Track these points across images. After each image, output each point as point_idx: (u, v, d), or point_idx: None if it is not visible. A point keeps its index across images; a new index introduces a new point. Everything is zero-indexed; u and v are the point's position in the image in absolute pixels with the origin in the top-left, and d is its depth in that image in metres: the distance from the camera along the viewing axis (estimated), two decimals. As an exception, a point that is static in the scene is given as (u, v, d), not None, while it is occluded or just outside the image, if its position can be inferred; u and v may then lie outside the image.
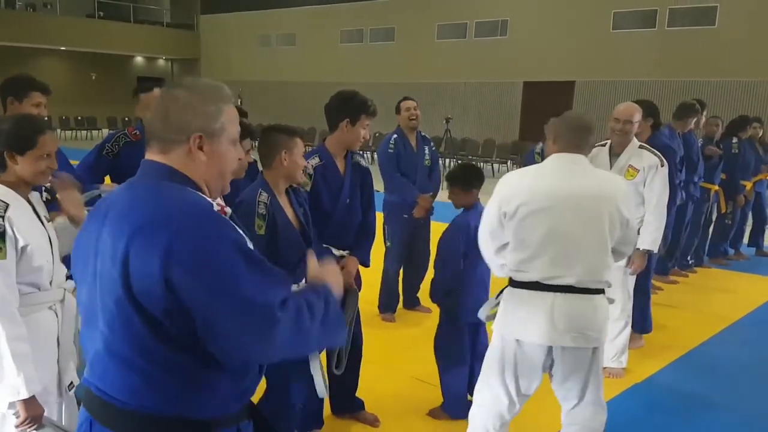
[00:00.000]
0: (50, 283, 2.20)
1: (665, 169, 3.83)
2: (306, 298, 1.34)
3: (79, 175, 3.38)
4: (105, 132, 19.23)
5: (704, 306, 5.57)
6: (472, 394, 3.37)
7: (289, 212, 2.63)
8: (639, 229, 3.68)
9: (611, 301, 2.66)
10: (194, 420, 1.35)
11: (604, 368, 2.95)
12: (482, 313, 2.72)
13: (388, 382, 3.80)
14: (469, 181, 3.33)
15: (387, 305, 5.01)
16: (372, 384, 3.51)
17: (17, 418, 2.02)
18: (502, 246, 2.57)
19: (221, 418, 1.39)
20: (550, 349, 2.49)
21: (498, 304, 2.65)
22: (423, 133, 5.16)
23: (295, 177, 2.68)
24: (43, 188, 2.86)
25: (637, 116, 3.84)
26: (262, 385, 2.71)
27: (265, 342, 1.26)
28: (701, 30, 14.67)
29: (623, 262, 3.57)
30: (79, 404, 2.50)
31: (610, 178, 2.69)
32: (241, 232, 1.35)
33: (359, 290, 3.20)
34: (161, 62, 27.86)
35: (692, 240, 6.55)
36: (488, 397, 2.65)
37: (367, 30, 20.76)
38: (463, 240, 3.25)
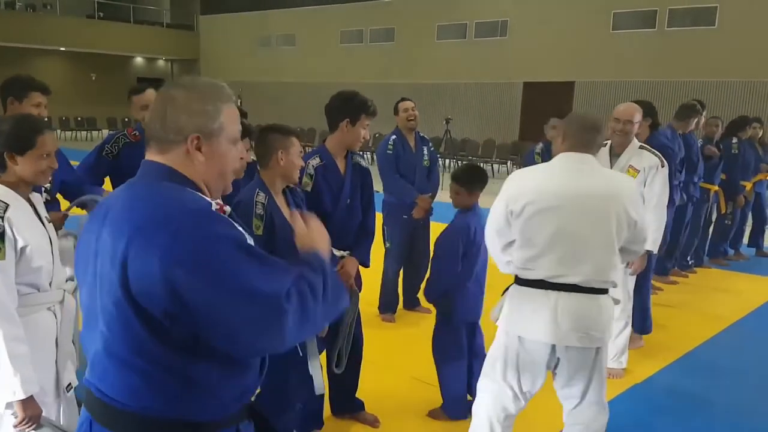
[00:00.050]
0: (50, 284, 2.19)
1: (665, 170, 3.83)
2: (306, 279, 1.32)
3: (80, 176, 3.39)
4: (105, 133, 19.23)
5: (704, 306, 5.57)
6: (471, 395, 3.38)
7: (286, 212, 2.63)
8: None
9: (617, 301, 2.66)
10: (194, 421, 1.34)
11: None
12: (494, 314, 2.72)
13: (388, 383, 3.79)
14: (473, 182, 3.32)
15: (387, 306, 5.01)
16: (372, 384, 3.51)
17: (15, 418, 2.02)
18: (509, 243, 2.57)
19: (221, 418, 1.38)
20: (553, 348, 2.49)
21: None
22: (422, 134, 5.16)
23: (291, 177, 2.68)
24: (43, 189, 2.87)
25: (638, 116, 3.84)
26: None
27: (274, 332, 1.25)
28: (701, 30, 14.68)
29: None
30: (79, 405, 2.51)
31: (617, 177, 2.68)
32: (240, 229, 1.35)
33: (359, 291, 3.21)
34: (161, 63, 27.87)
35: (692, 240, 6.55)
36: (492, 389, 2.65)
37: (367, 30, 20.77)
38: (462, 241, 3.25)
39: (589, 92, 16.19)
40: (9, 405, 2.03)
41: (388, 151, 4.89)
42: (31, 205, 2.20)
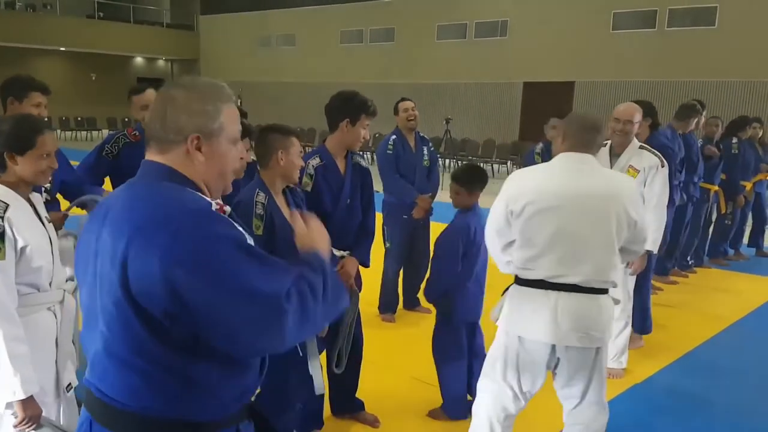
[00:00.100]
0: (50, 284, 2.19)
1: (665, 170, 3.83)
2: (306, 279, 1.32)
3: (80, 176, 3.39)
4: (105, 133, 19.22)
5: (704, 306, 5.57)
6: (471, 395, 3.38)
7: (285, 212, 2.63)
8: None
9: (617, 301, 2.65)
10: (194, 421, 1.34)
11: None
12: (494, 314, 2.72)
13: (388, 383, 3.79)
14: (473, 182, 3.32)
15: (387, 306, 5.01)
16: (372, 384, 3.51)
17: (15, 418, 2.02)
18: (509, 243, 2.57)
19: (221, 418, 1.38)
20: (553, 348, 2.49)
21: None
22: (421, 134, 5.16)
23: (291, 177, 2.68)
24: (43, 189, 2.87)
25: (638, 116, 3.84)
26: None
27: (274, 332, 1.25)
28: (701, 30, 14.68)
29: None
30: (79, 405, 2.51)
31: (617, 177, 2.68)
32: (240, 229, 1.35)
33: (359, 291, 3.21)
34: (161, 63, 27.87)
35: (692, 240, 6.55)
36: (492, 389, 2.65)
37: (367, 30, 20.77)
38: (462, 241, 3.26)
39: (589, 92, 16.19)
40: (9, 405, 2.03)
41: (388, 151, 4.89)
42: (31, 205, 2.20)
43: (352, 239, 3.24)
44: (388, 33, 20.29)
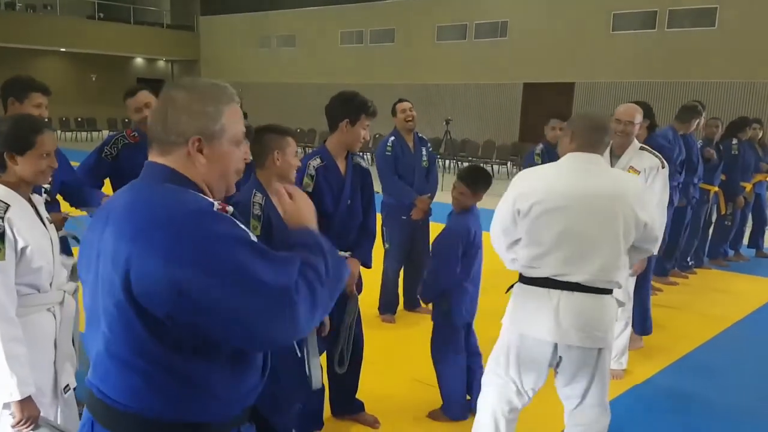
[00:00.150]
0: (50, 284, 2.19)
1: (666, 171, 3.83)
2: (310, 265, 1.31)
3: (80, 177, 3.39)
4: (105, 133, 19.23)
5: (704, 307, 5.57)
6: (471, 395, 3.39)
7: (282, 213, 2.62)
8: None
9: (621, 304, 2.65)
10: (196, 423, 1.34)
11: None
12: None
13: (388, 384, 3.79)
14: (479, 184, 3.32)
15: (387, 307, 5.01)
16: (372, 385, 3.51)
17: (13, 418, 2.02)
18: (514, 242, 2.58)
19: (223, 420, 1.38)
20: (555, 347, 2.49)
21: None
22: (420, 134, 5.16)
23: (288, 177, 2.67)
24: (43, 190, 2.87)
25: (639, 117, 3.85)
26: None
27: (289, 324, 1.24)
28: (701, 31, 14.68)
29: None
30: (80, 406, 2.50)
31: (625, 178, 2.68)
32: (243, 227, 1.34)
33: (360, 292, 3.21)
34: (161, 63, 27.87)
35: (692, 241, 6.55)
36: (496, 383, 2.66)
37: (367, 31, 20.78)
38: (462, 243, 3.26)
39: (589, 93, 16.19)
40: (6, 405, 2.03)
41: (387, 153, 4.89)
42: (32, 206, 2.20)
43: (353, 240, 3.24)
44: (388, 34, 20.30)
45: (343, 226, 3.15)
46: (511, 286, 2.67)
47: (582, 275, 2.42)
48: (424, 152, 5.04)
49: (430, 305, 3.50)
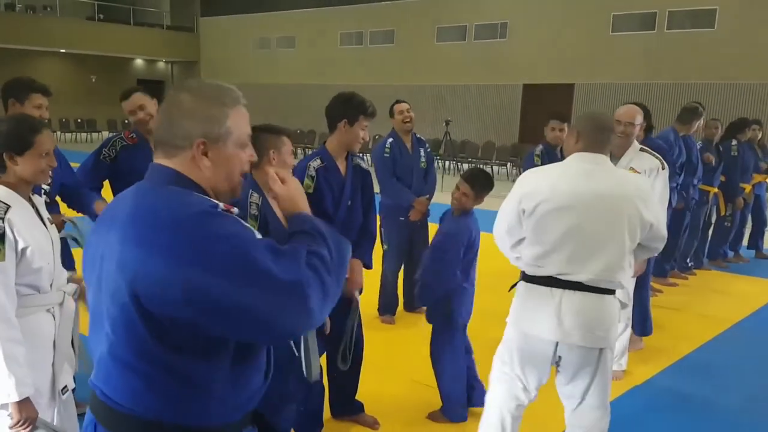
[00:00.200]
0: (50, 285, 2.19)
1: (666, 172, 3.84)
2: (315, 254, 1.30)
3: (79, 179, 3.39)
4: (105, 134, 19.22)
5: (704, 308, 5.57)
6: (469, 396, 3.39)
7: (278, 212, 2.62)
8: None
9: (624, 305, 2.66)
10: (198, 427, 1.34)
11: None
12: None
13: (388, 385, 3.79)
14: (484, 187, 3.32)
15: (386, 307, 5.01)
16: (372, 386, 3.51)
17: (11, 419, 2.02)
18: (518, 241, 2.59)
19: (226, 424, 1.37)
20: (557, 345, 2.49)
21: None
22: (418, 135, 5.17)
23: None
24: (43, 191, 2.87)
25: (639, 118, 3.85)
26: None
27: (303, 316, 1.24)
28: (700, 32, 14.70)
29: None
30: (79, 407, 2.50)
31: (631, 178, 2.68)
32: (248, 225, 1.33)
33: (360, 292, 3.20)
34: (161, 65, 27.89)
35: (692, 242, 6.55)
36: (502, 380, 2.66)
37: (367, 32, 20.79)
38: (463, 245, 3.26)
39: (589, 94, 16.20)
40: (4, 406, 2.02)
41: (385, 155, 4.89)
42: (33, 207, 2.20)
43: (353, 241, 3.24)
44: (387, 35, 20.31)
45: (343, 227, 3.14)
46: (514, 285, 2.68)
47: (585, 275, 2.42)
48: (422, 153, 5.04)
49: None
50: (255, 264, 1.21)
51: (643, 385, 3.96)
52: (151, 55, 26.61)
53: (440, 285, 3.31)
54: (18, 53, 21.84)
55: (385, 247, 4.99)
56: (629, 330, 4.08)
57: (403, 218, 4.89)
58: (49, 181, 2.82)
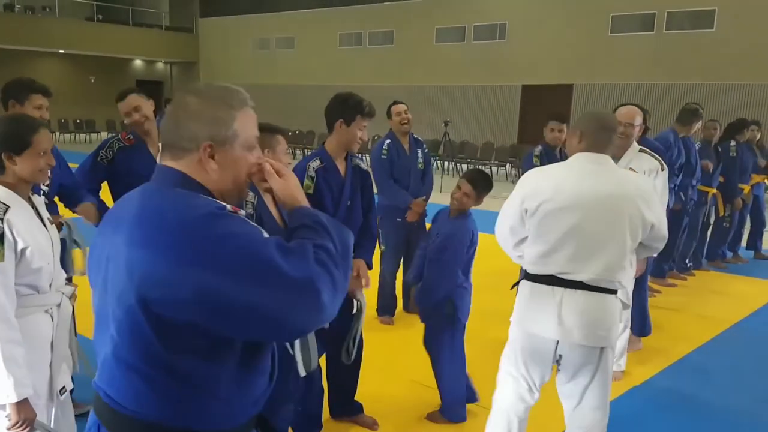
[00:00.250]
0: (50, 286, 2.19)
1: (665, 173, 3.84)
2: (321, 248, 1.30)
3: (77, 180, 3.39)
4: (104, 135, 19.22)
5: (702, 309, 5.58)
6: (468, 397, 3.39)
7: (273, 211, 2.62)
8: None
9: (626, 306, 2.66)
10: (202, 430, 1.33)
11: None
12: None
13: (387, 386, 3.79)
14: (486, 188, 3.32)
15: (385, 308, 5.02)
16: (371, 387, 3.51)
17: (9, 420, 2.01)
18: (521, 240, 2.60)
19: (230, 428, 1.36)
20: (558, 344, 2.50)
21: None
22: (416, 136, 5.17)
23: None
24: (42, 191, 2.86)
25: (639, 119, 3.86)
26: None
27: (315, 312, 1.24)
28: (699, 33, 14.71)
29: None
30: (77, 408, 2.50)
31: (633, 178, 2.69)
32: (255, 225, 1.33)
33: (367, 286, 3.19)
34: (160, 65, 27.88)
35: (690, 243, 6.56)
36: (509, 381, 2.67)
37: (366, 33, 20.80)
38: (465, 245, 3.27)
39: (588, 95, 16.22)
40: (2, 407, 2.02)
41: (383, 156, 4.90)
42: (32, 207, 2.20)
43: (355, 241, 3.23)
44: (387, 36, 20.32)
45: (343, 227, 3.14)
46: (516, 284, 2.68)
47: (586, 274, 2.43)
48: (419, 154, 5.05)
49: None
50: (264, 263, 1.21)
51: (642, 385, 3.96)
52: (150, 56, 26.60)
53: (442, 286, 3.31)
54: (17, 54, 21.83)
55: (383, 248, 4.99)
56: (628, 330, 4.09)
57: (400, 219, 4.89)
58: (48, 181, 2.82)
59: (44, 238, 2.16)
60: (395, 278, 5.07)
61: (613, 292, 2.50)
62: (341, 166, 3.19)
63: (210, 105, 1.35)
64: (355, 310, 2.93)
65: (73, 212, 3.30)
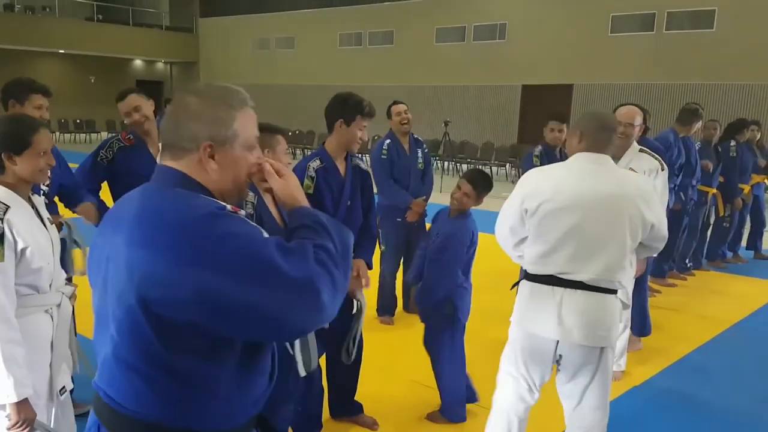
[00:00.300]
0: (50, 286, 2.19)
1: (665, 173, 3.84)
2: (321, 248, 1.30)
3: (77, 181, 3.39)
4: (104, 135, 19.21)
5: (702, 309, 5.58)
6: (468, 397, 3.39)
7: (273, 211, 2.62)
8: None
9: (626, 306, 2.65)
10: (202, 431, 1.33)
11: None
12: None
13: (387, 386, 3.80)
14: (487, 189, 3.32)
15: (385, 308, 5.02)
16: (371, 387, 3.51)
17: (9, 420, 2.01)
18: (521, 240, 2.60)
19: (230, 428, 1.36)
20: (558, 344, 2.50)
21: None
22: (416, 135, 5.17)
23: None
24: (42, 192, 2.86)
25: (639, 119, 3.86)
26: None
27: (315, 312, 1.24)
28: (699, 33, 14.71)
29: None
30: (77, 408, 2.50)
31: (633, 179, 2.69)
32: (255, 225, 1.33)
33: (368, 287, 3.19)
34: (160, 65, 27.88)
35: (690, 243, 6.56)
36: (509, 381, 2.67)
37: (366, 33, 20.80)
38: (466, 245, 3.27)
39: (588, 95, 16.21)
40: (2, 407, 2.02)
41: (383, 156, 4.90)
42: (32, 207, 2.20)
43: (355, 241, 3.23)
44: (387, 36, 20.32)
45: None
46: (516, 284, 2.68)
47: (586, 274, 2.43)
48: (419, 154, 5.05)
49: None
50: (264, 263, 1.21)
51: (641, 385, 3.96)
52: (150, 56, 26.60)
53: (442, 286, 3.31)
54: (17, 54, 21.83)
55: (383, 248, 4.99)
56: (628, 330, 4.09)
57: (400, 219, 4.89)
58: (48, 181, 2.82)
59: (44, 238, 2.16)
60: (395, 278, 5.07)
61: (613, 292, 2.50)
62: (341, 166, 3.19)
63: (210, 105, 1.34)
64: (355, 310, 2.92)
65: (73, 212, 3.30)
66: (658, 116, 5.12)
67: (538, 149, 4.90)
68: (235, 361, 1.32)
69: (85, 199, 3.27)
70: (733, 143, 6.81)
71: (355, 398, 3.36)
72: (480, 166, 4.26)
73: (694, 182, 5.97)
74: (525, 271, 2.63)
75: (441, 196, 5.18)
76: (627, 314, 4.02)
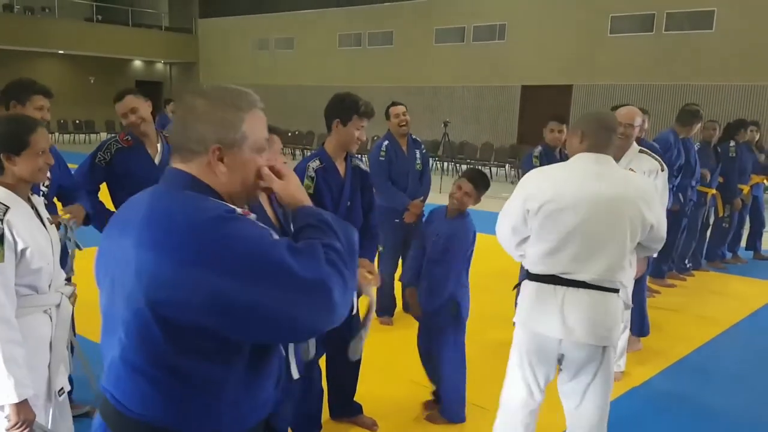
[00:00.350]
0: (49, 286, 2.19)
1: (665, 174, 3.85)
2: (329, 247, 1.29)
3: (76, 181, 3.38)
4: (103, 136, 19.20)
5: (702, 309, 5.58)
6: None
7: (269, 211, 2.62)
8: None
9: (628, 306, 2.66)
10: None
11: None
12: None
13: (387, 386, 3.79)
14: (486, 188, 3.33)
15: (384, 309, 5.01)
16: (370, 387, 3.51)
17: (8, 421, 2.01)
18: (523, 240, 2.60)
19: None
20: (560, 343, 2.50)
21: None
22: (414, 136, 5.17)
23: None
24: (41, 192, 2.86)
25: (639, 120, 3.86)
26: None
27: (327, 311, 1.24)
28: (699, 34, 14.71)
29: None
30: (75, 409, 2.49)
31: (634, 179, 2.69)
32: (265, 227, 1.32)
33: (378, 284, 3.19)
34: (160, 66, 27.86)
35: (690, 243, 6.56)
36: (516, 384, 2.67)
37: (366, 34, 20.79)
38: (468, 245, 3.28)
39: (587, 96, 16.21)
40: (2, 408, 2.02)
41: (381, 158, 4.90)
42: (32, 207, 2.20)
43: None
44: (386, 36, 20.32)
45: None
46: (517, 285, 2.68)
47: (588, 274, 2.43)
48: (417, 155, 5.05)
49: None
50: (275, 264, 1.20)
51: (641, 386, 3.96)
52: (150, 57, 26.59)
53: (447, 287, 3.31)
54: (16, 54, 21.82)
55: (381, 249, 4.98)
56: (628, 331, 4.09)
57: (398, 220, 4.90)
58: (48, 181, 2.82)
59: (44, 238, 2.16)
60: (393, 279, 5.06)
61: (615, 291, 2.50)
62: (341, 167, 3.19)
63: (218, 107, 1.33)
64: (368, 305, 2.93)
65: (63, 211, 3.29)
66: (657, 117, 5.11)
67: (537, 150, 4.90)
68: (244, 363, 1.31)
69: (80, 201, 3.26)
70: (732, 144, 6.82)
71: (355, 399, 3.36)
72: (479, 167, 4.26)
73: (693, 183, 5.97)
74: (526, 271, 2.63)
75: (440, 196, 5.17)
76: (627, 314, 4.02)
